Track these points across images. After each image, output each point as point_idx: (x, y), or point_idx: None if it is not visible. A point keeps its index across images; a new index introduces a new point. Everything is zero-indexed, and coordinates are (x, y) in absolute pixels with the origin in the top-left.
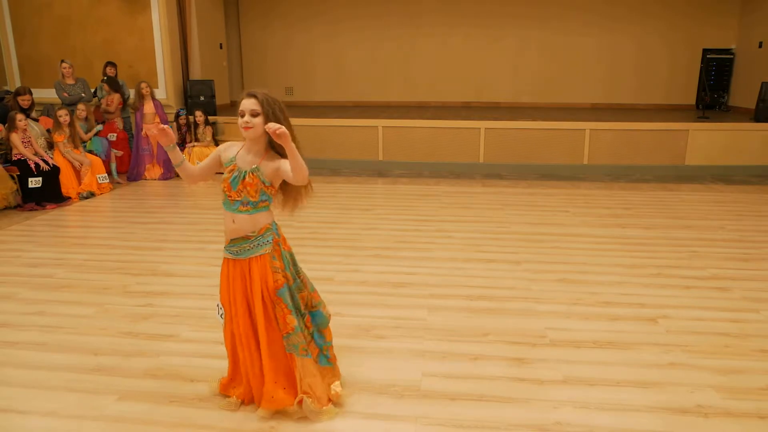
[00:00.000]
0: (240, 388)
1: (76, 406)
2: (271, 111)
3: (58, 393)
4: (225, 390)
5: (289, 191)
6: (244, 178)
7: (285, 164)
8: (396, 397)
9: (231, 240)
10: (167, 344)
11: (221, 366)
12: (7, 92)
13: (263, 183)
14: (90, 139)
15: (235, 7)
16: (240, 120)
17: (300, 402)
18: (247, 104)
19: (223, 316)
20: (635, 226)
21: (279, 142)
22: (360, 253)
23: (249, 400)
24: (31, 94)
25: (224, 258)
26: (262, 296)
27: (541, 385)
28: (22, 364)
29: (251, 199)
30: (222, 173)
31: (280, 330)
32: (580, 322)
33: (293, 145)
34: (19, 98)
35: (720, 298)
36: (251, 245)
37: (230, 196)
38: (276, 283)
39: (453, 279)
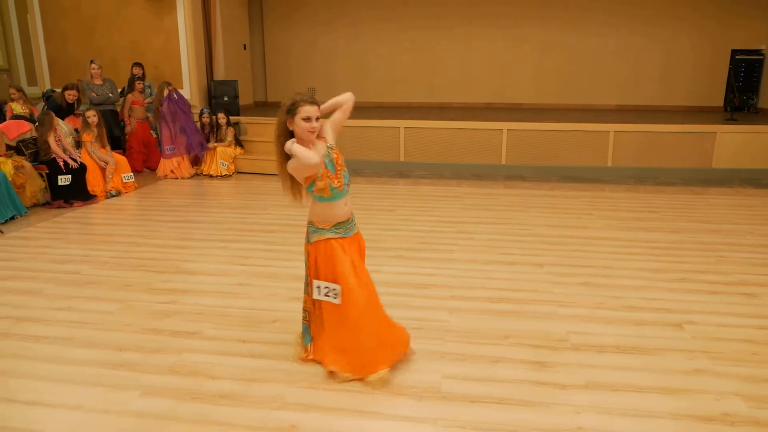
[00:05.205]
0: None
1: (101, 400)
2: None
3: (83, 387)
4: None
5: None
6: (331, 156)
7: (330, 125)
8: (416, 399)
9: (338, 223)
10: (190, 341)
11: (243, 364)
12: (53, 91)
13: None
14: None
15: (258, 8)
16: (306, 124)
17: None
18: (313, 111)
19: (338, 296)
20: (661, 229)
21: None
22: (381, 254)
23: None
24: (78, 90)
25: (333, 239)
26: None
27: (563, 389)
28: (49, 359)
29: (345, 170)
30: None
31: None
32: (603, 327)
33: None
34: (66, 93)
35: (747, 305)
36: (353, 222)
37: (336, 185)
38: None
39: (474, 281)
